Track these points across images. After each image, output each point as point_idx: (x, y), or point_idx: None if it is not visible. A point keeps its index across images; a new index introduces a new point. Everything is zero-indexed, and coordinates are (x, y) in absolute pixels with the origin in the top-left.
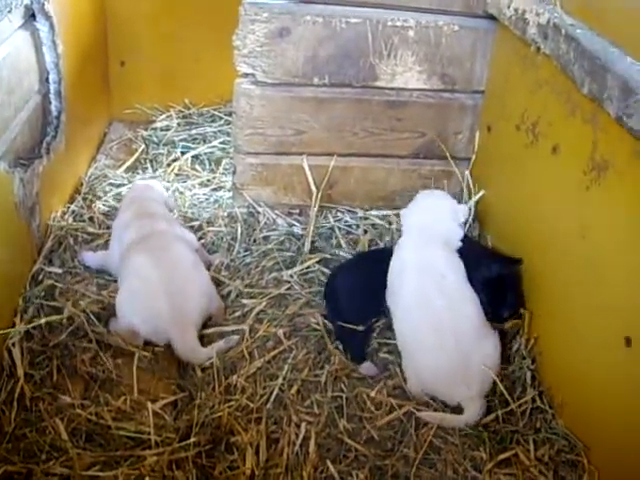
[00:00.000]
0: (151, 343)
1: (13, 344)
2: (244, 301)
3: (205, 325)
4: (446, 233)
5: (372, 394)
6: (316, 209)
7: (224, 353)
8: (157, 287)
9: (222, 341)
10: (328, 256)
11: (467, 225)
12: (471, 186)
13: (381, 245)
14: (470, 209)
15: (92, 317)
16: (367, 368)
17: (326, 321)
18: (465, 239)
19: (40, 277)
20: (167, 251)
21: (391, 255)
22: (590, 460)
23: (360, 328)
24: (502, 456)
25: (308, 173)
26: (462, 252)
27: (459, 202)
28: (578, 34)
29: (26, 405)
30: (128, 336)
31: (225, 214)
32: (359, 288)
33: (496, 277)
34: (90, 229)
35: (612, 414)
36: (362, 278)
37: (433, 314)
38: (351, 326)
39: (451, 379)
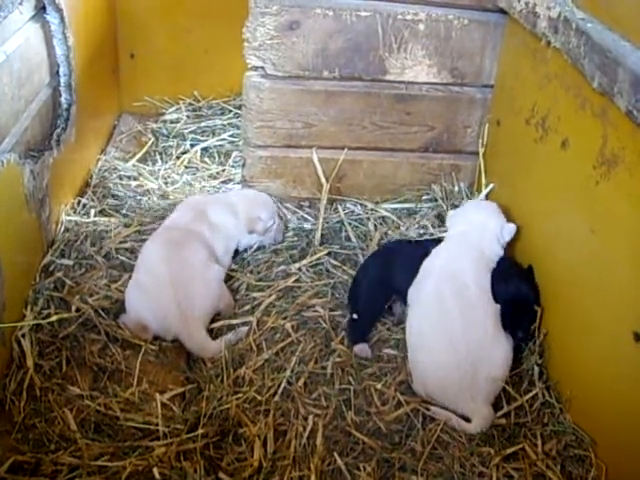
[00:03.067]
0: (160, 337)
1: (23, 335)
2: (253, 294)
3: (214, 319)
4: (486, 251)
5: (379, 387)
6: (325, 202)
7: (233, 345)
8: (166, 285)
9: (231, 333)
10: (337, 249)
11: None
12: (482, 180)
13: (391, 239)
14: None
15: (100, 310)
16: (360, 349)
17: (332, 314)
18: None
19: (50, 269)
20: (181, 247)
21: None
22: (597, 455)
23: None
24: (509, 450)
25: (318, 166)
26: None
27: (469, 195)
28: (589, 28)
29: (35, 395)
30: (138, 330)
31: None
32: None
33: (520, 297)
34: (100, 221)
35: (620, 409)
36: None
37: (447, 324)
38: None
39: (456, 391)
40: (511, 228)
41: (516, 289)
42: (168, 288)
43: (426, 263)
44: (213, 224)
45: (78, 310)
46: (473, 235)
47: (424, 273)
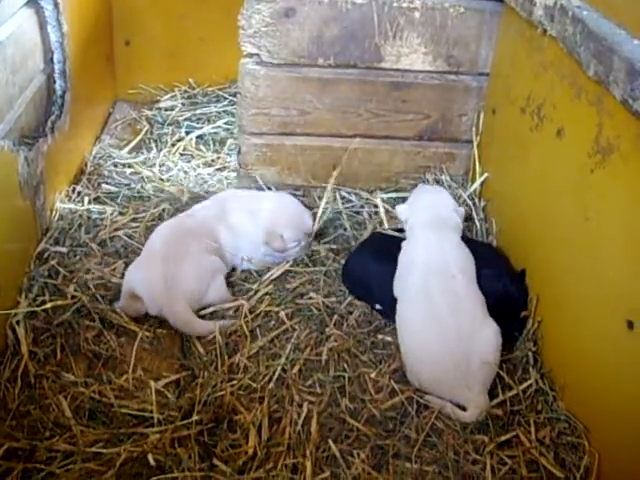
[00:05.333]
0: (152, 324)
1: (17, 322)
2: (247, 284)
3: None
4: (457, 221)
5: (373, 375)
6: (329, 191)
7: (226, 330)
8: (158, 259)
9: (225, 320)
10: (332, 237)
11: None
12: (477, 168)
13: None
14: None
15: (96, 296)
16: None
17: (326, 301)
18: (483, 244)
19: (45, 256)
20: (187, 234)
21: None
22: (591, 442)
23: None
24: (503, 438)
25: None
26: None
27: (464, 183)
28: (584, 16)
29: (30, 383)
30: (129, 304)
31: None
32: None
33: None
34: (94, 209)
35: (613, 397)
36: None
37: (436, 315)
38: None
39: (451, 380)
40: (462, 211)
41: (505, 293)
42: (159, 262)
43: (406, 256)
44: (231, 225)
45: (73, 297)
46: (438, 215)
47: (407, 265)
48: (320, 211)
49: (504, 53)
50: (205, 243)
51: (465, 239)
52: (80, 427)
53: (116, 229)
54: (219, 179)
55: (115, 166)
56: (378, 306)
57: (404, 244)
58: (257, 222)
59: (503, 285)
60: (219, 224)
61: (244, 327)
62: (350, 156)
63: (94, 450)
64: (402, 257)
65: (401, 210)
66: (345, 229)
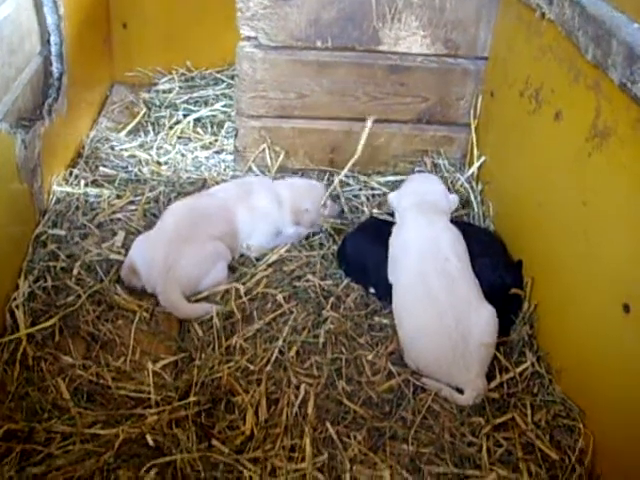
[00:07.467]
0: (151, 304)
1: (17, 306)
2: (245, 268)
3: None
4: (444, 205)
5: (370, 357)
6: (341, 177)
7: (222, 312)
8: (164, 238)
9: (217, 305)
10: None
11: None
12: (474, 152)
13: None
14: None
15: (93, 279)
16: None
17: (323, 284)
18: (480, 229)
19: (43, 239)
20: (200, 215)
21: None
22: (586, 425)
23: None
24: (499, 420)
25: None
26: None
27: (461, 167)
28: None
29: (29, 365)
30: (128, 276)
31: (228, 177)
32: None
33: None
34: (92, 192)
35: (609, 380)
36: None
37: (432, 297)
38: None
39: (450, 362)
40: (453, 197)
41: (501, 284)
42: (165, 243)
43: (397, 240)
44: (253, 207)
45: (71, 279)
46: (427, 197)
47: (399, 249)
48: (326, 194)
49: (502, 36)
50: (215, 227)
51: (462, 224)
52: (78, 409)
53: (113, 212)
54: (216, 162)
55: (112, 149)
56: (372, 290)
57: (395, 228)
58: (281, 206)
59: (499, 276)
60: (239, 205)
61: (235, 310)
62: (348, 139)
63: (92, 431)
64: (393, 241)
65: (392, 197)
66: (343, 212)
